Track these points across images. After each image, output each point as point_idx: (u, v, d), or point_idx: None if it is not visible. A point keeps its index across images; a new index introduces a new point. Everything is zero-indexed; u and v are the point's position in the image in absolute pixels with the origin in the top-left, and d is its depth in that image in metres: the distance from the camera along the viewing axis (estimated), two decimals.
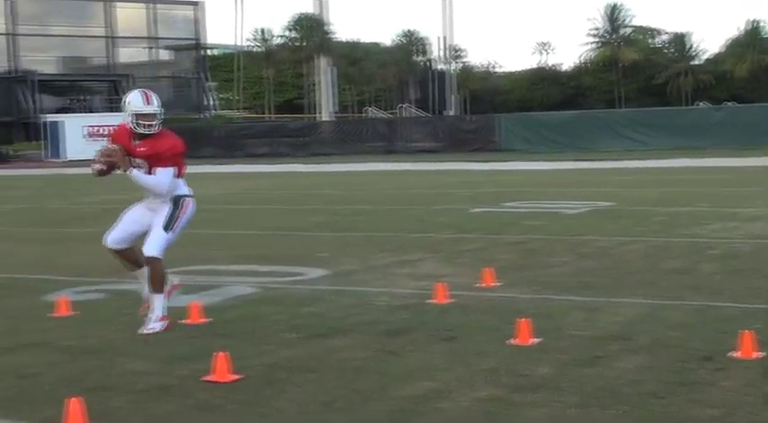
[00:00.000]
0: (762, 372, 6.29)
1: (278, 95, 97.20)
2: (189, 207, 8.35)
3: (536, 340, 7.22)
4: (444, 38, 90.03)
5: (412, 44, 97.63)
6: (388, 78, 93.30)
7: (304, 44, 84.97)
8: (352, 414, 5.60)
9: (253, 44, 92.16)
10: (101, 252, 8.98)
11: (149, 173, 8.12)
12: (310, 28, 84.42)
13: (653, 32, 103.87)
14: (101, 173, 8.20)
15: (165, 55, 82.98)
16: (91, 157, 8.58)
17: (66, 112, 67.52)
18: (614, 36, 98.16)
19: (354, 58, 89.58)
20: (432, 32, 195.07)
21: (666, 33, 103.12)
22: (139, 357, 7.09)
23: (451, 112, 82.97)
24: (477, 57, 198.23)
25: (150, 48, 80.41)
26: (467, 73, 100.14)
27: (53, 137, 62.07)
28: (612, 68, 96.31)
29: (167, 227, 8.14)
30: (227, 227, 16.88)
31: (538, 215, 17.37)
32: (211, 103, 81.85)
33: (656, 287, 9.59)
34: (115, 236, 8.30)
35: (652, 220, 16.02)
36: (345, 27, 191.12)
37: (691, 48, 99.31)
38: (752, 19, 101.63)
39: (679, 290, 9.39)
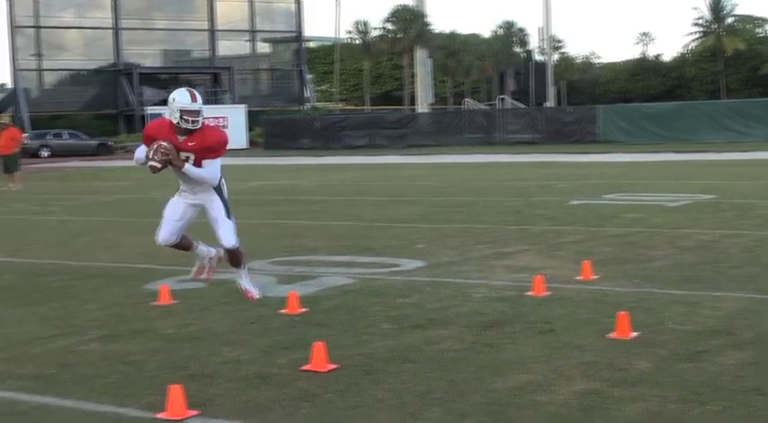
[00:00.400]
0: None
1: (375, 87, 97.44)
2: (225, 187, 8.89)
3: (635, 334, 7.13)
4: (545, 29, 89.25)
5: (511, 35, 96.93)
6: (487, 70, 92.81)
7: (402, 36, 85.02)
8: (448, 405, 5.60)
9: (352, 36, 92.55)
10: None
11: (197, 166, 8.58)
12: (408, 20, 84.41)
13: (759, 22, 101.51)
14: (156, 170, 8.56)
15: (263, 47, 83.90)
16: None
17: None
18: (718, 26, 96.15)
19: (452, 50, 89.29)
20: (530, 23, 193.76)
21: None
22: (239, 346, 7.19)
23: (549, 104, 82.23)
24: (575, 47, 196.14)
25: (249, 41, 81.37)
26: (566, 64, 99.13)
27: None
28: (716, 59, 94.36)
29: (229, 214, 8.76)
30: (325, 218, 17.01)
31: (638, 208, 17.14)
32: (310, 95, 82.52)
33: (758, 281, 9.40)
34: (165, 235, 8.92)
35: (755, 213, 15.69)
36: (443, 18, 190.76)
37: None
38: None
39: None
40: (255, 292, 8.96)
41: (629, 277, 9.80)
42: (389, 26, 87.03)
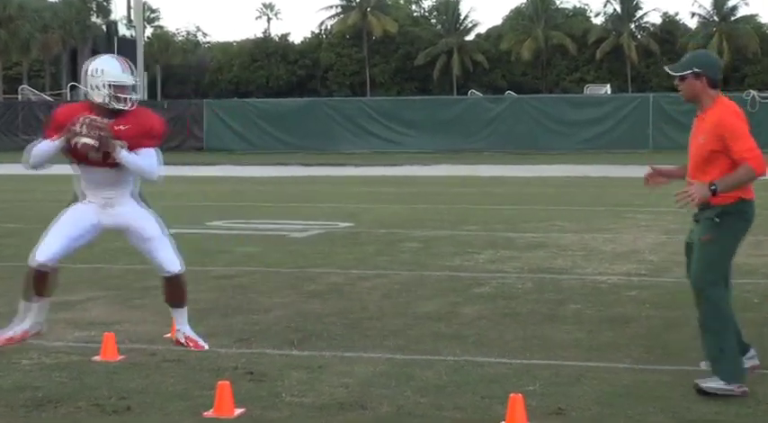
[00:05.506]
0: None
1: None
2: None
3: (240, 411, 7.27)
4: None
5: (88, 1, 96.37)
6: (53, 46, 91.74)
7: None
8: None
9: None
10: None
11: None
12: None
13: None
14: (89, 149, 8.47)
15: None
16: None
17: None
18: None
19: (3, 17, 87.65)
20: None
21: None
22: None
23: (138, 96, 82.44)
24: (174, 21, 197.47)
25: None
26: (163, 42, 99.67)
27: None
28: (360, 43, 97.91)
29: (163, 229, 9.15)
30: None
31: (254, 239, 17.48)
32: None
33: (400, 337, 9.82)
34: (52, 251, 8.95)
35: (401, 247, 16.40)
36: None
37: (465, 19, 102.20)
38: None
39: (432, 341, 9.66)
40: (202, 342, 9.26)
41: (236, 334, 9.98)
42: None
